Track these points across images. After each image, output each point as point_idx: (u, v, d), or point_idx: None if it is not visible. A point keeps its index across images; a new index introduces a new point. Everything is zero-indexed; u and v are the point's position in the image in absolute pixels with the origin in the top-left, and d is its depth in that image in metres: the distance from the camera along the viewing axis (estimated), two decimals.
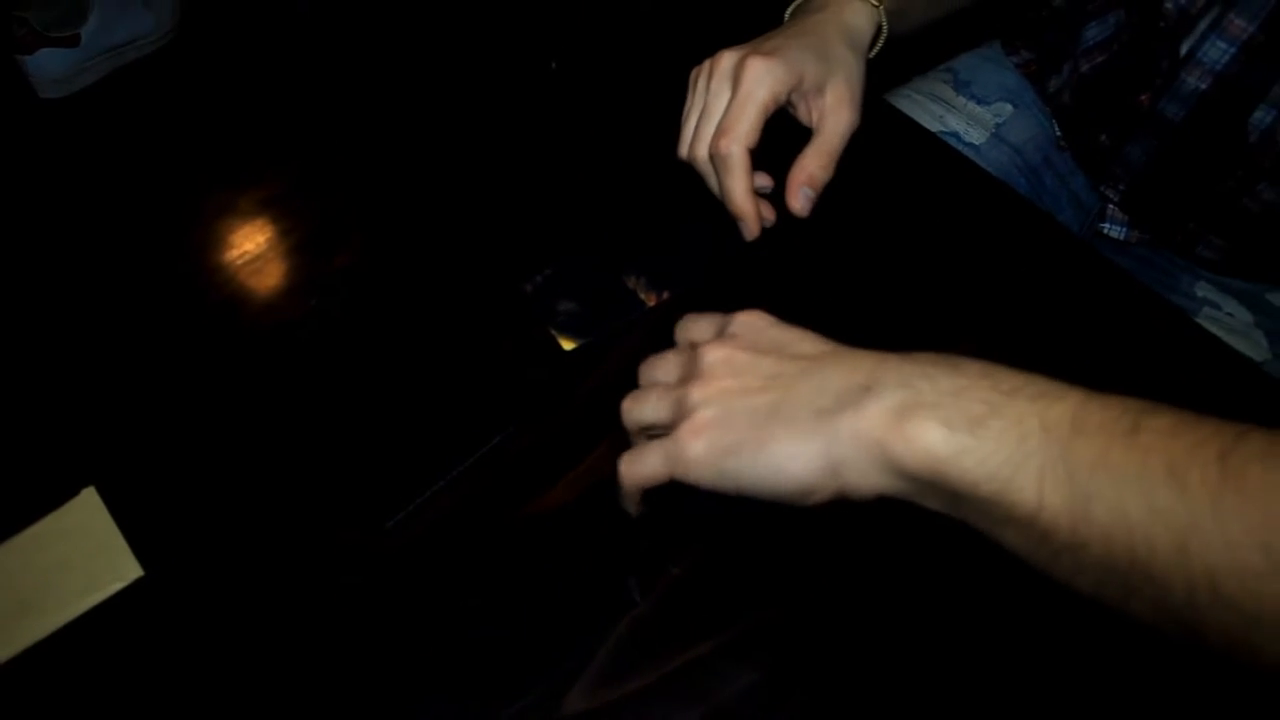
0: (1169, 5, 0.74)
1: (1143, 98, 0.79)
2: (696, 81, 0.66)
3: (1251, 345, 0.82)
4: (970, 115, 0.93)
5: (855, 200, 0.76)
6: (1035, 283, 0.72)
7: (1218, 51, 0.73)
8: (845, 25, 0.68)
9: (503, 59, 0.87)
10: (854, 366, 0.46)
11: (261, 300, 0.72)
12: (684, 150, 0.66)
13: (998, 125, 0.93)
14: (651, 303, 0.69)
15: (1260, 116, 0.73)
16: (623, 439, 0.63)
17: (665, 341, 0.67)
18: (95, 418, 0.65)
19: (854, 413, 0.43)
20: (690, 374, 0.50)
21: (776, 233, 0.72)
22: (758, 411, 0.46)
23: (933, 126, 0.89)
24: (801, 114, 0.66)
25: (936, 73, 0.98)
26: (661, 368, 0.54)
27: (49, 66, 0.85)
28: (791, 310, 0.69)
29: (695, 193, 0.71)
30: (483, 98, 0.84)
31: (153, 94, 0.86)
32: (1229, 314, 0.85)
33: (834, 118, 0.65)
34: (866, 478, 0.44)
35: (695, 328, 0.55)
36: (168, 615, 0.57)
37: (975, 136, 0.92)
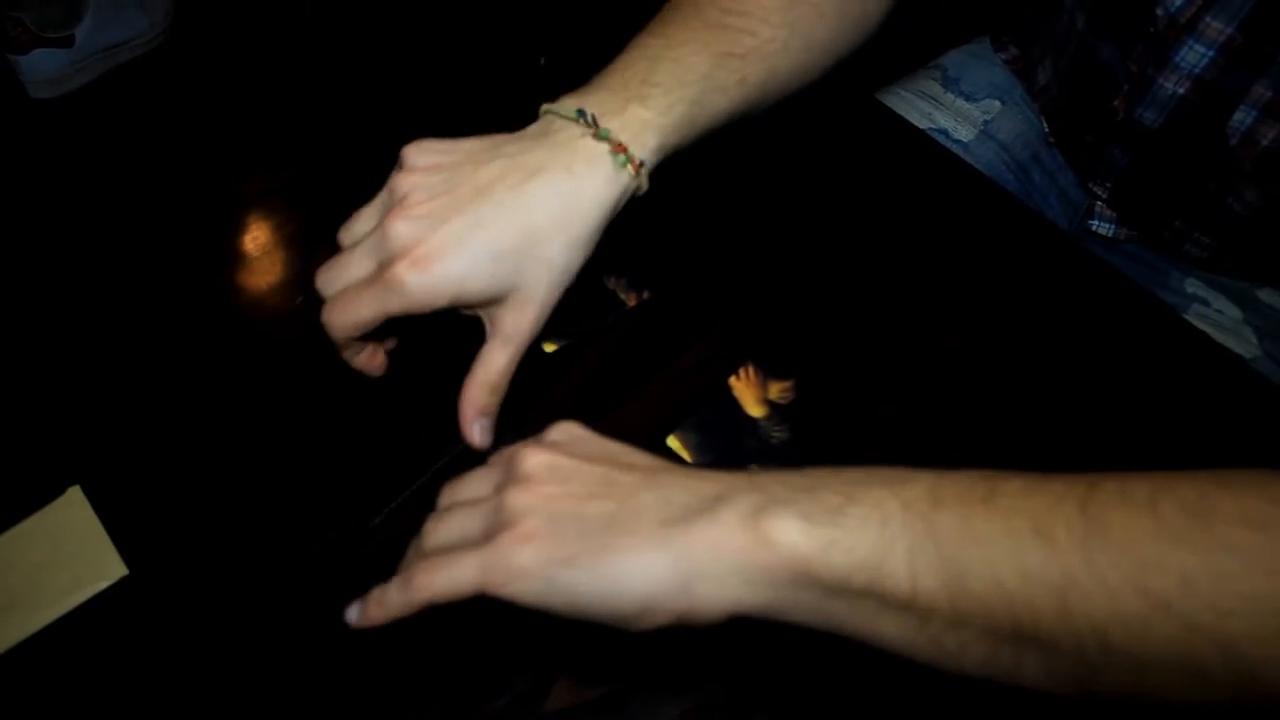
0: (1159, 11, 0.73)
1: (1116, 103, 0.79)
2: (374, 200, 0.54)
3: (1240, 342, 0.82)
4: (959, 112, 0.93)
5: (844, 198, 0.77)
6: (1024, 279, 0.73)
7: (1196, 55, 0.73)
8: (581, 199, 0.52)
9: (492, 54, 0.87)
10: (699, 477, 0.43)
11: (249, 298, 0.72)
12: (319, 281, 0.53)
13: (986, 122, 0.93)
14: (631, 303, 0.70)
15: (1240, 118, 0.73)
16: (606, 436, 0.64)
17: (644, 341, 0.68)
18: (81, 416, 0.65)
19: (708, 520, 0.40)
20: (507, 481, 0.44)
21: (764, 231, 0.72)
22: (593, 521, 0.41)
23: (921, 124, 0.89)
24: (471, 313, 0.54)
25: (925, 70, 0.98)
26: (470, 486, 0.48)
27: (43, 67, 0.85)
28: (779, 309, 0.70)
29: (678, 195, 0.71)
30: (472, 93, 0.84)
31: (145, 95, 0.86)
32: (1218, 310, 0.85)
33: (502, 340, 0.54)
34: (723, 589, 0.40)
35: (469, 481, 0.48)
36: (152, 614, 0.58)
37: (964, 133, 0.92)
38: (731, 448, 0.64)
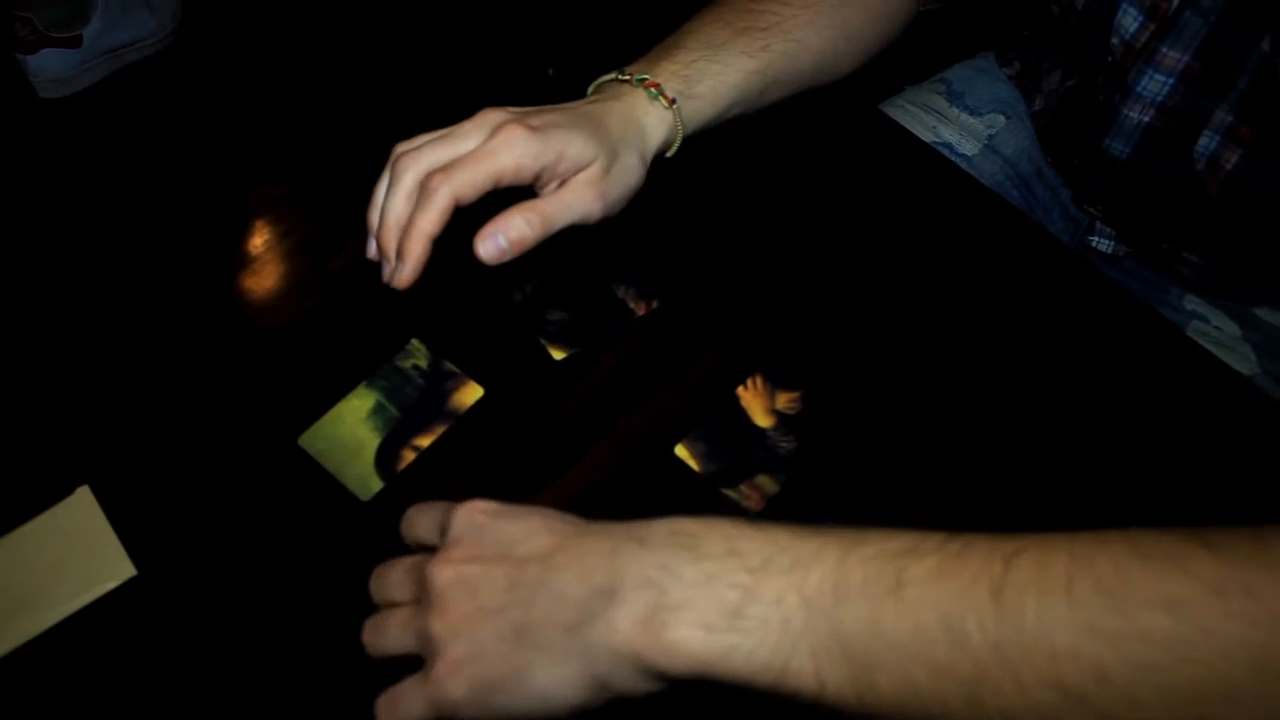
0: (1115, 40, 0.74)
1: (1092, 135, 0.80)
2: (457, 125, 0.58)
3: (1239, 359, 0.83)
4: (963, 126, 0.93)
5: (849, 210, 0.77)
6: (1027, 293, 0.73)
7: (1156, 85, 0.74)
8: (631, 120, 0.61)
9: (501, 65, 0.87)
10: (588, 566, 0.42)
11: (258, 301, 0.72)
12: (397, 152, 0.58)
13: (990, 137, 0.93)
14: (641, 312, 0.70)
15: (1205, 144, 0.74)
16: (615, 444, 0.64)
17: (653, 350, 0.68)
18: (91, 417, 0.65)
19: (603, 626, 0.41)
20: (424, 599, 0.45)
21: (771, 242, 0.73)
22: (505, 638, 0.43)
23: (926, 137, 0.90)
24: (548, 192, 0.58)
25: (930, 83, 0.98)
26: (392, 584, 0.49)
27: (50, 66, 0.85)
28: (787, 320, 0.70)
29: (687, 205, 0.71)
30: (480, 103, 0.84)
31: (152, 96, 0.86)
32: (1217, 327, 0.86)
33: (573, 194, 0.57)
34: (637, 685, 0.41)
35: (418, 523, 0.50)
36: (160, 615, 0.58)
37: (968, 147, 0.92)
38: (739, 457, 0.64)
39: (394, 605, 0.48)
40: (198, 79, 0.88)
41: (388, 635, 0.47)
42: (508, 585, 0.43)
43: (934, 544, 0.38)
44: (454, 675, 0.43)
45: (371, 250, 0.58)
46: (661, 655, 0.39)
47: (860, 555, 0.38)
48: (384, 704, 0.46)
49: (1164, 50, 0.72)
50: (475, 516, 0.46)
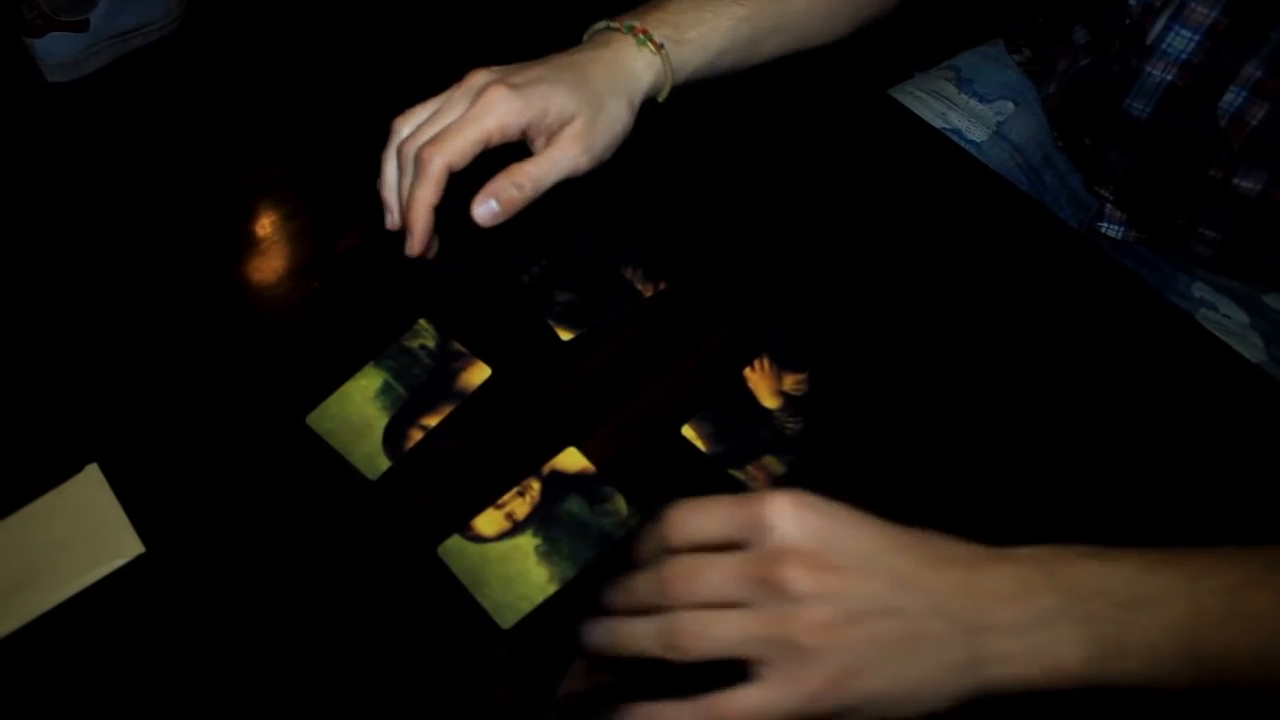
0: (1132, 1, 0.74)
1: (1111, 100, 0.80)
2: (447, 93, 0.62)
3: (1247, 346, 0.83)
4: (972, 113, 0.93)
5: (859, 194, 0.77)
6: (1036, 279, 0.73)
7: (1182, 41, 0.74)
8: (619, 67, 0.63)
9: (500, 50, 0.87)
10: (977, 599, 0.45)
11: (266, 282, 0.72)
12: (396, 139, 0.61)
13: (999, 123, 0.93)
14: (648, 293, 0.70)
15: (1230, 99, 0.74)
16: (622, 425, 0.64)
17: (661, 331, 0.68)
18: (100, 396, 0.65)
19: (1001, 655, 0.44)
20: (773, 604, 0.43)
21: (779, 225, 0.72)
22: (891, 654, 0.44)
23: (935, 123, 0.90)
24: (538, 147, 0.61)
25: (939, 70, 0.98)
26: (710, 583, 0.44)
27: (57, 50, 0.85)
28: (794, 301, 0.70)
29: (695, 187, 0.71)
30: None
31: (158, 80, 0.86)
32: (1225, 315, 0.85)
33: (559, 150, 0.60)
34: (1009, 691, 0.45)
35: (700, 521, 0.46)
36: (168, 592, 0.58)
37: (977, 134, 0.92)
38: (745, 438, 0.64)
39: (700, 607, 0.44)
40: (204, 63, 0.88)
41: (715, 638, 0.43)
42: (885, 604, 0.44)
43: (1223, 574, 0.46)
44: (840, 688, 0.43)
45: (389, 222, 0.62)
46: (1052, 681, 0.45)
47: (1207, 588, 0.45)
48: (737, 701, 0.42)
49: (1192, 5, 0.72)
50: (805, 517, 0.44)
